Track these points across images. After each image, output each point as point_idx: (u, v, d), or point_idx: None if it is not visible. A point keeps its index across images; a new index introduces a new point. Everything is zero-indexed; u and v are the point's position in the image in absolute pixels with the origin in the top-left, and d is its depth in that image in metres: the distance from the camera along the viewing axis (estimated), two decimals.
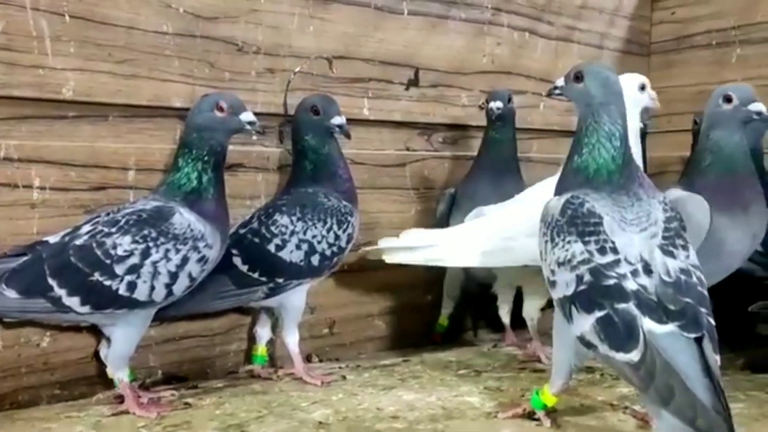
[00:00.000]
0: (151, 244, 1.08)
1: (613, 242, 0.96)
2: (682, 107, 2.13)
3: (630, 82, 1.35)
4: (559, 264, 0.97)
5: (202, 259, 1.12)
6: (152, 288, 1.08)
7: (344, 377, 1.34)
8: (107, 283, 1.06)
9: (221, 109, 1.17)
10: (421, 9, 1.68)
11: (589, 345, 0.93)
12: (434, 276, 1.72)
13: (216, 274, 1.19)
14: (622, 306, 0.91)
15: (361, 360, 1.51)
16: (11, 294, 1.05)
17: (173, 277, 1.09)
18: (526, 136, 1.91)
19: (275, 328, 1.39)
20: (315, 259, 1.28)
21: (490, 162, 1.62)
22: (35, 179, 1.19)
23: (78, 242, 1.08)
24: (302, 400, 1.18)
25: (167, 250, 1.09)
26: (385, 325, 1.66)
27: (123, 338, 1.12)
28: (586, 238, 0.97)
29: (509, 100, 1.64)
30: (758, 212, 1.17)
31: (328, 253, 1.30)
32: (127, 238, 1.08)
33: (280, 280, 1.27)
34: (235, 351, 1.42)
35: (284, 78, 1.46)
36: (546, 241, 1.00)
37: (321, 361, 1.49)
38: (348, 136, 1.36)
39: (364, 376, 1.34)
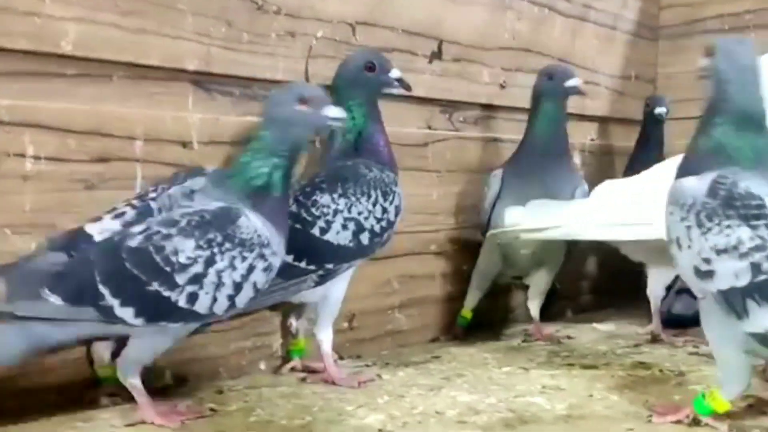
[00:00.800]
0: (216, 250, 0.93)
1: None
2: (692, 94, 2.06)
3: None
4: (719, 251, 0.87)
5: (268, 268, 0.97)
6: (214, 300, 0.94)
7: (379, 376, 1.20)
8: (166, 294, 0.91)
9: (305, 102, 1.02)
10: None
11: None
12: (455, 266, 1.60)
13: None
14: None
15: (386, 357, 1.37)
16: (56, 301, 0.89)
17: (237, 288, 0.95)
18: None
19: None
20: (365, 238, 1.16)
21: (540, 140, 1.52)
22: (28, 147, 1.00)
23: (132, 244, 0.92)
24: (345, 403, 1.03)
25: (233, 258, 0.94)
26: (406, 318, 1.53)
27: (149, 347, 0.95)
28: (753, 222, 0.87)
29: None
30: None
31: (377, 228, 1.17)
32: (190, 243, 0.92)
33: (330, 266, 1.14)
34: (250, 348, 1.26)
35: (305, 43, 1.31)
36: (689, 227, 0.89)
37: (341, 358, 1.34)
38: (408, 88, 1.25)
39: (399, 375, 1.20)
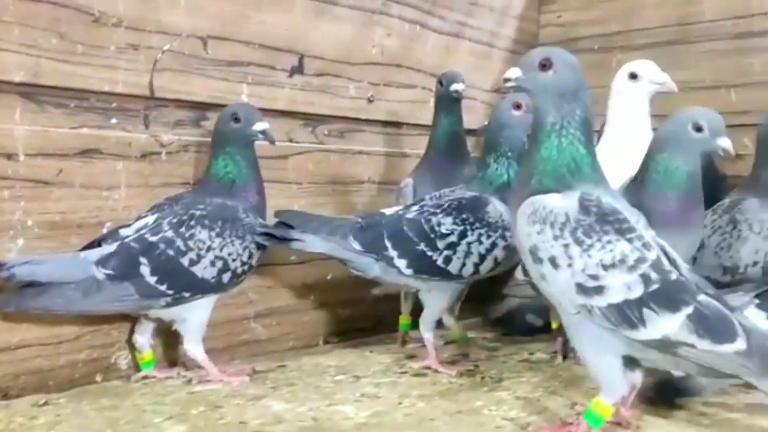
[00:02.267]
0: (468, 227, 1.30)
1: (644, 237, 0.92)
2: None
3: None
4: (607, 267, 0.89)
5: (507, 247, 1.29)
6: (463, 265, 1.30)
7: (254, 369, 1.28)
8: (429, 253, 1.29)
9: (518, 107, 1.34)
10: None
11: (675, 345, 0.88)
12: (318, 276, 1.63)
13: (118, 279, 1.14)
14: (701, 297, 0.89)
15: (234, 366, 1.39)
16: (357, 246, 1.29)
17: (482, 258, 1.30)
18: (415, 132, 1.86)
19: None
20: (226, 277, 1.23)
21: (444, 148, 1.57)
22: None
23: (409, 216, 1.33)
24: (156, 415, 1.05)
25: (480, 234, 1.30)
26: (263, 328, 1.55)
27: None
28: (628, 236, 0.90)
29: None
30: (695, 233, 1.16)
31: (239, 271, 1.25)
32: (449, 219, 1.31)
33: (187, 295, 1.21)
34: (84, 360, 1.26)
35: (150, 56, 1.32)
36: (566, 245, 0.90)
37: (187, 369, 1.35)
38: (272, 141, 1.32)
39: (232, 385, 1.22)
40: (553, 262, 0.91)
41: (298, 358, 1.45)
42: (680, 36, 1.99)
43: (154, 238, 1.16)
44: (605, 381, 0.94)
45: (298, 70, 1.59)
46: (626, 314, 0.88)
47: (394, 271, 1.32)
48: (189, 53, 1.37)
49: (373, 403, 1.12)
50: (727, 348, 0.87)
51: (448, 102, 1.58)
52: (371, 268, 1.33)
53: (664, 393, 1.10)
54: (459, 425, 1.02)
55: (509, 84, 0.99)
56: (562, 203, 0.93)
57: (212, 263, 1.19)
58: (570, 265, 0.90)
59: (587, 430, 0.94)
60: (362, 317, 1.73)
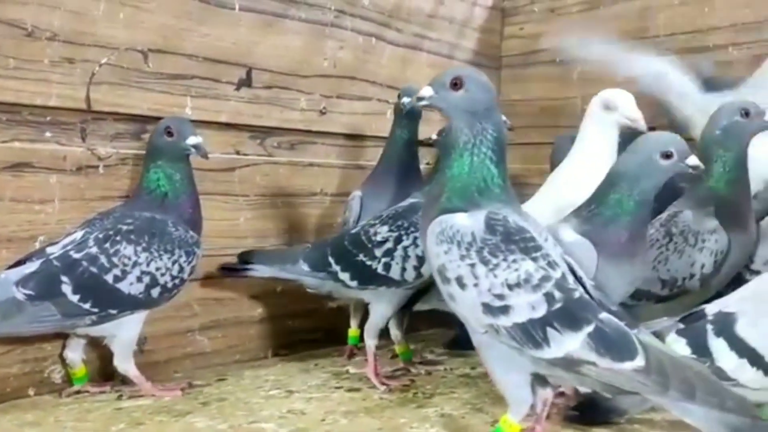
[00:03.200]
0: (403, 232, 1.32)
1: (550, 255, 0.92)
2: (530, 121, 2.18)
3: None
4: (512, 286, 0.89)
5: None
6: (404, 269, 1.31)
7: (190, 384, 1.29)
8: (369, 263, 1.33)
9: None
10: (254, 5, 1.59)
11: (577, 363, 0.88)
12: (265, 288, 1.63)
13: (38, 299, 1.13)
14: (602, 315, 0.89)
15: (176, 379, 1.38)
16: (305, 267, 1.37)
17: (421, 261, 1.30)
18: (371, 143, 1.87)
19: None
20: (155, 291, 1.22)
21: (395, 162, 1.57)
22: None
23: (353, 231, 1.38)
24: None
25: (416, 238, 1.30)
26: (208, 341, 1.55)
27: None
28: (533, 254, 0.91)
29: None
30: (643, 261, 1.16)
31: (170, 285, 1.24)
32: (385, 228, 1.35)
33: (114, 311, 1.19)
34: (15, 374, 1.25)
35: (86, 69, 1.32)
36: (472, 264, 0.90)
37: (125, 383, 1.34)
38: (206, 156, 1.30)
39: (164, 400, 1.22)
40: (460, 281, 0.91)
41: (240, 372, 1.45)
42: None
43: (77, 255, 1.16)
44: (512, 399, 0.94)
45: (245, 82, 1.59)
46: (530, 333, 0.89)
47: (341, 285, 1.35)
48: (128, 66, 1.37)
49: (297, 420, 1.12)
50: (627, 365, 0.87)
51: (400, 115, 1.58)
52: (322, 285, 1.40)
53: (589, 411, 1.10)
54: None
55: (422, 102, 0.99)
56: (469, 222, 0.93)
57: (139, 279, 1.19)
58: (476, 285, 0.90)
59: None
60: (313, 329, 1.72)
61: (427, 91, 0.99)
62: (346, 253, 1.35)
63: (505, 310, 0.89)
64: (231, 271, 1.46)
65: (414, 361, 1.51)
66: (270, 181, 1.66)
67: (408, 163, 1.59)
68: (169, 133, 1.26)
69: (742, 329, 0.98)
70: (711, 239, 1.25)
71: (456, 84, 0.96)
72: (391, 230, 1.33)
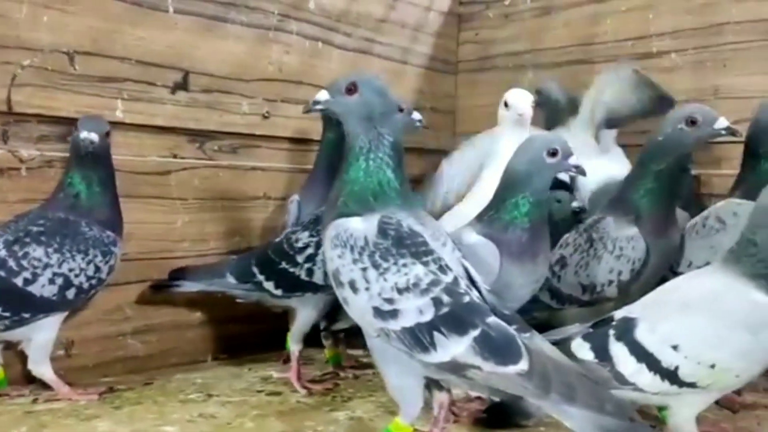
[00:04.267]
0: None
1: (443, 259, 0.92)
2: (486, 125, 2.17)
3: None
4: (401, 290, 0.89)
5: None
6: (325, 274, 1.21)
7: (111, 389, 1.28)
8: (291, 270, 1.33)
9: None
10: (190, 8, 1.59)
11: (463, 368, 0.88)
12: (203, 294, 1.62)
13: None
14: (490, 320, 0.89)
15: (104, 383, 1.37)
16: (232, 279, 1.37)
17: None
18: (318, 147, 1.86)
19: None
20: (70, 293, 1.21)
21: (327, 164, 1.56)
22: None
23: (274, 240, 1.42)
24: None
25: None
26: (142, 344, 1.54)
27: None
28: (424, 259, 0.91)
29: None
30: (545, 260, 1.17)
31: (86, 286, 1.23)
32: (306, 234, 1.36)
33: (27, 315, 1.18)
34: None
35: (7, 71, 1.32)
36: (364, 268, 0.90)
37: (46, 387, 1.32)
38: (96, 150, 1.26)
39: (78, 404, 1.21)
40: (352, 285, 0.91)
41: (170, 376, 1.44)
42: (585, 56, 2.00)
43: None
44: (403, 402, 0.94)
45: (181, 86, 1.59)
46: (418, 338, 0.88)
47: (267, 295, 1.35)
48: (52, 68, 1.37)
49: (204, 424, 1.11)
50: (510, 369, 0.87)
51: (329, 118, 1.58)
52: (249, 296, 1.40)
53: (497, 415, 1.09)
54: None
55: (318, 107, 0.99)
56: (362, 226, 0.93)
57: (51, 281, 1.18)
58: (368, 289, 0.90)
59: None
60: (256, 333, 1.71)
61: (322, 96, 0.99)
62: (270, 262, 1.34)
63: (394, 314, 0.89)
64: (161, 289, 1.47)
65: (346, 365, 1.50)
66: (210, 184, 1.66)
67: (338, 164, 1.58)
68: (76, 128, 1.25)
69: (641, 334, 0.98)
70: (628, 246, 1.25)
71: (350, 89, 0.96)
72: (311, 235, 1.32)
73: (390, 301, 0.89)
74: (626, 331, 0.99)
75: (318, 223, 1.34)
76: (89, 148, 1.24)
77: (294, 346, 1.35)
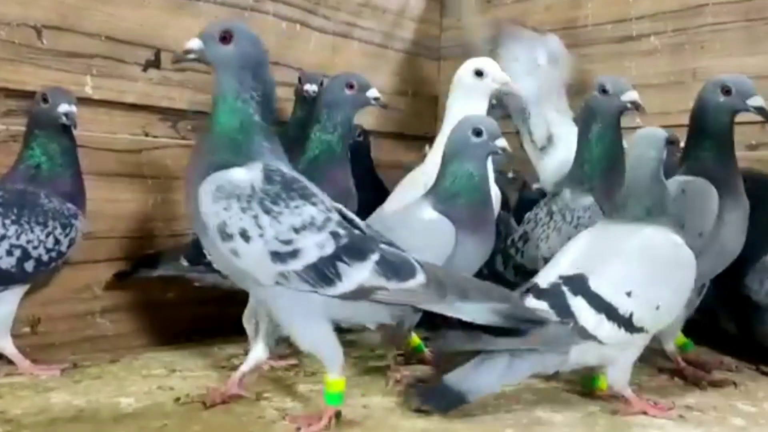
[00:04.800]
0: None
1: (326, 201, 0.97)
2: None
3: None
4: (298, 229, 0.91)
5: None
6: None
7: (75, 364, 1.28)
8: None
9: (350, 87, 1.30)
10: None
11: (370, 291, 0.93)
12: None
13: None
14: (383, 246, 0.96)
15: (72, 360, 1.36)
16: (185, 263, 1.39)
17: None
18: None
19: None
20: (29, 265, 1.19)
21: (288, 142, 1.53)
22: None
23: None
24: None
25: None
26: (111, 323, 1.53)
27: None
28: (312, 200, 0.94)
29: (321, 83, 1.57)
30: (493, 230, 1.19)
31: (45, 258, 1.21)
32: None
33: None
34: None
35: None
36: (255, 216, 0.90)
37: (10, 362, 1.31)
38: (74, 125, 1.25)
39: (39, 379, 1.20)
40: (244, 235, 0.91)
41: (138, 355, 1.42)
42: (567, 40, 1.98)
43: None
44: (324, 356, 0.96)
45: (153, 64, 1.57)
46: (323, 272, 0.91)
47: (219, 276, 1.29)
48: (20, 42, 1.36)
49: (160, 395, 1.10)
50: (412, 283, 0.94)
51: (301, 100, 1.57)
52: (204, 278, 1.39)
53: (433, 399, 1.04)
54: (224, 415, 1.01)
55: (190, 56, 0.97)
56: (247, 176, 0.93)
57: (9, 252, 1.16)
58: (261, 236, 0.91)
59: (334, 409, 0.97)
60: (232, 316, 1.70)
61: (195, 44, 0.96)
62: None
63: (294, 254, 0.91)
64: (125, 277, 1.48)
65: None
66: (182, 163, 1.63)
67: (300, 144, 1.57)
68: (45, 100, 1.24)
69: (596, 286, 1.01)
70: (585, 216, 1.25)
71: (225, 38, 0.95)
72: None
73: (288, 242, 0.91)
74: (580, 284, 1.01)
75: None
76: (73, 122, 1.23)
77: (248, 325, 1.33)
